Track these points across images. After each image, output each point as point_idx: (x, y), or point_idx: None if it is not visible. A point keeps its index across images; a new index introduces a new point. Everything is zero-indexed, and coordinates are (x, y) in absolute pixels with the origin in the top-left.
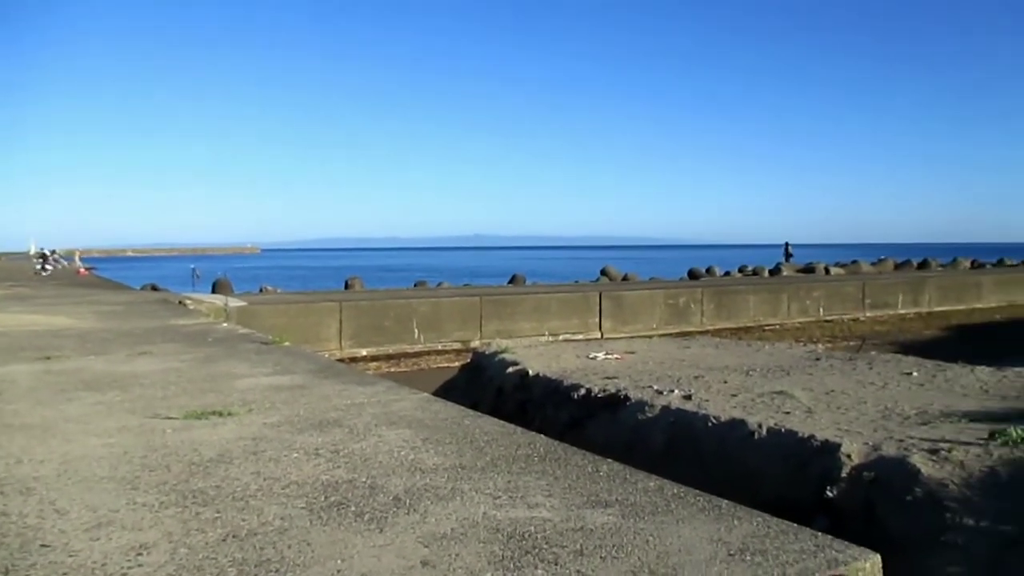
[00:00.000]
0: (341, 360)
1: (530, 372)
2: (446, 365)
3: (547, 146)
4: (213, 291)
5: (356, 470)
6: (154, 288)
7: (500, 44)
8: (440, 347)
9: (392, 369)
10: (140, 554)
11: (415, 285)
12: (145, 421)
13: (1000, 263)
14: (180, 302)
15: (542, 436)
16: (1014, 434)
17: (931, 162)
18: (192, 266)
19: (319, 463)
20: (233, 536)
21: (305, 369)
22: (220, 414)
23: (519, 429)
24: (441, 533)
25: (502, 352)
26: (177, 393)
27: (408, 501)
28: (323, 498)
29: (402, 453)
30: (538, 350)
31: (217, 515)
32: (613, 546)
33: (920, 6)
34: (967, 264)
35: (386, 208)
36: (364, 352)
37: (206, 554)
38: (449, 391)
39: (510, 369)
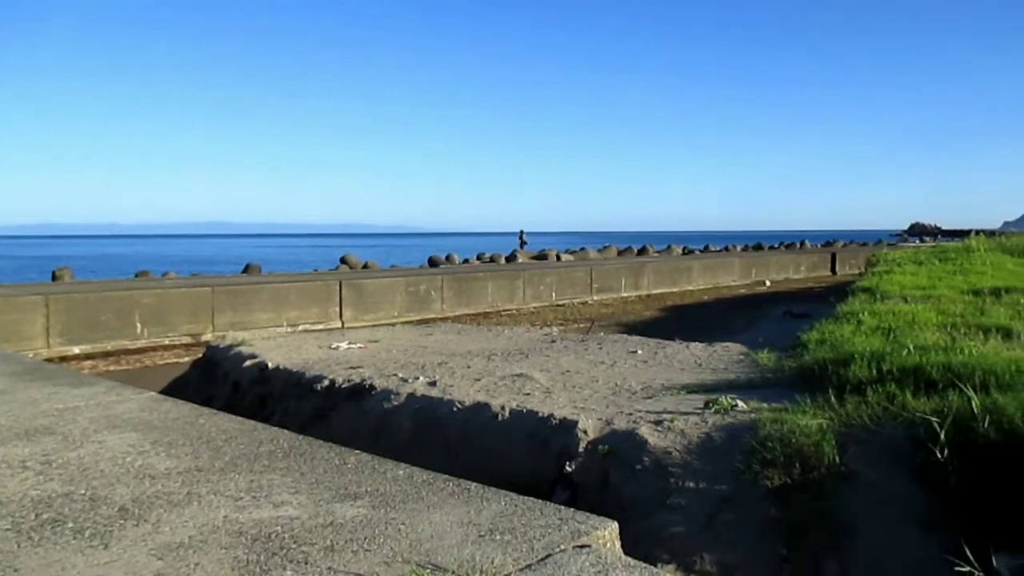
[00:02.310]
0: (50, 360)
1: (269, 364)
2: (175, 361)
3: (284, 129)
4: None
5: (73, 482)
6: None
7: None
8: (167, 342)
9: (112, 368)
10: None
11: (137, 275)
12: None
13: (706, 249)
14: None
15: (286, 431)
16: (724, 402)
17: (645, 159)
18: None
19: (27, 477)
20: None
21: (5, 371)
22: None
23: (260, 425)
24: (177, 542)
25: (238, 345)
26: None
27: (137, 511)
28: (33, 516)
29: (128, 459)
30: (277, 341)
31: None
32: (365, 538)
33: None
34: (679, 250)
35: (103, 191)
36: (77, 350)
37: None
38: (180, 389)
39: (247, 362)
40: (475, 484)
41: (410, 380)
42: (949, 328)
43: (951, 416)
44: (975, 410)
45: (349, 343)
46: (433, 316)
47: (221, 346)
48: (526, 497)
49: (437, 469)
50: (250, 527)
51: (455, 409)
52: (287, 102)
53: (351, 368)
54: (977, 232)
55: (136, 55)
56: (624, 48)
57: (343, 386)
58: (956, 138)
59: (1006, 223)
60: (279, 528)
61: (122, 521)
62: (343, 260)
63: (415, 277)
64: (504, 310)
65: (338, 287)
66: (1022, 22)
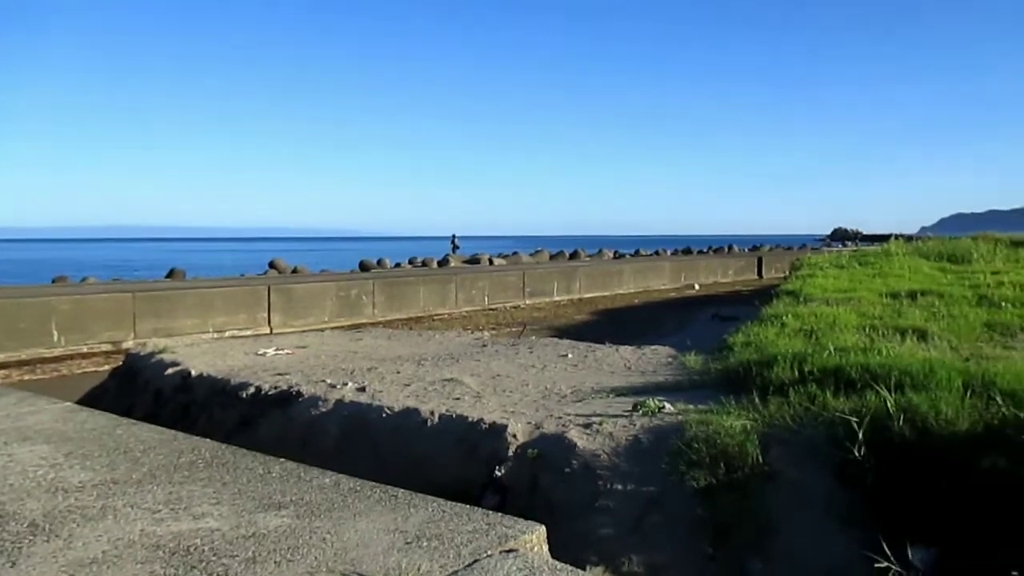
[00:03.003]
0: None
1: (193, 372)
2: (94, 370)
3: (209, 128)
4: None
5: None
6: None
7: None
8: (86, 349)
9: (27, 377)
10: None
11: (54, 281)
12: None
13: (637, 254)
14: None
15: (208, 440)
16: (652, 405)
17: (575, 164)
18: None
19: None
20: None
21: None
22: None
23: (181, 434)
24: (90, 558)
25: (160, 352)
26: None
27: (48, 526)
28: None
29: (39, 472)
30: (202, 348)
31: None
32: (288, 549)
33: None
34: (611, 255)
35: (9, 192)
36: None
37: None
38: (98, 398)
39: (170, 370)
40: (403, 491)
41: (338, 386)
42: (868, 330)
43: (868, 415)
44: (891, 409)
45: (277, 349)
46: (364, 321)
47: (142, 353)
48: (454, 503)
49: (366, 476)
50: (168, 540)
51: (384, 415)
52: (211, 101)
53: (278, 375)
54: (896, 237)
55: (37, 53)
56: (548, 50)
57: (269, 393)
58: (878, 147)
59: (923, 228)
60: (198, 541)
61: (32, 537)
62: (272, 265)
63: (346, 282)
64: (436, 314)
65: (266, 292)
66: (921, 41)
